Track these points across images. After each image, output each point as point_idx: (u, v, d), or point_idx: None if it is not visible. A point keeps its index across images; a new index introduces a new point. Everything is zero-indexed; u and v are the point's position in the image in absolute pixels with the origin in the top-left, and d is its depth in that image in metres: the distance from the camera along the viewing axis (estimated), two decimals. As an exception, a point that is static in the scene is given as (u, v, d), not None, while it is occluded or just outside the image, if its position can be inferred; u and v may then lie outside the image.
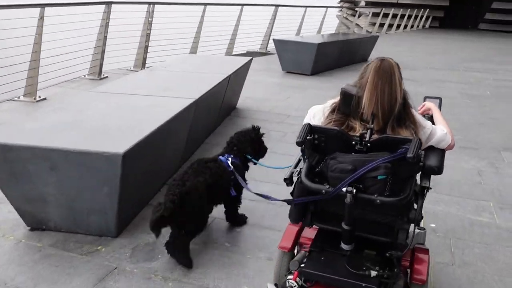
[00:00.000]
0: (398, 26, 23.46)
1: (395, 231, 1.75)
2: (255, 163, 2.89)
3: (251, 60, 6.08)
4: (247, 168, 2.90)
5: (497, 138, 5.15)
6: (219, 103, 4.91)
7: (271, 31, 12.10)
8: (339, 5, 46.71)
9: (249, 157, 2.83)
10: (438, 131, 1.96)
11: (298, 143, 1.75)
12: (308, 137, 1.76)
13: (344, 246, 1.80)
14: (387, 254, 1.76)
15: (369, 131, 1.77)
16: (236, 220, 2.97)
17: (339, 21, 18.00)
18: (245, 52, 12.04)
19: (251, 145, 2.86)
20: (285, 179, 1.91)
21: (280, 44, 8.80)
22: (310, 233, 2.05)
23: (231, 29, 10.96)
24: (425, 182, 1.86)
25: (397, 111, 1.82)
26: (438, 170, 1.82)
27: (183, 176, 2.48)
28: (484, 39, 21.00)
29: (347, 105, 1.89)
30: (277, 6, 12.04)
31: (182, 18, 10.07)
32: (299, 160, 2.00)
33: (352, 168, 1.65)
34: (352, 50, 10.31)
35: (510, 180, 3.98)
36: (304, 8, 13.56)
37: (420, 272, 1.88)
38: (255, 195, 2.13)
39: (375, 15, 21.87)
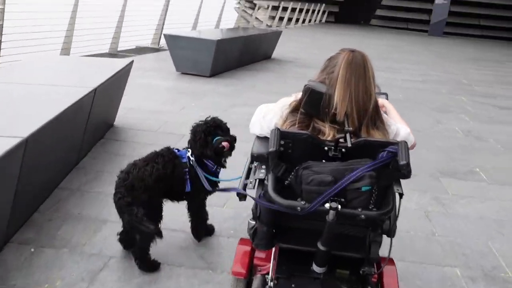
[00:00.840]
0: (297, 20, 23.22)
1: (367, 245, 1.56)
2: (213, 169, 2.42)
3: (131, 63, 4.69)
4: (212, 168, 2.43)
5: (431, 158, 4.40)
6: (80, 129, 3.49)
7: (163, 23, 10.63)
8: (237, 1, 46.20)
9: (206, 162, 2.41)
10: (402, 130, 1.71)
11: (272, 153, 1.43)
12: None
13: (317, 269, 1.58)
14: (360, 272, 1.59)
15: (347, 134, 1.48)
16: (196, 233, 2.63)
17: (238, 15, 16.89)
18: (134, 47, 10.45)
19: (199, 146, 2.37)
20: (238, 194, 1.76)
21: (173, 41, 7.45)
22: (263, 253, 1.88)
23: (117, 21, 9.33)
24: (398, 188, 1.53)
25: (371, 110, 1.59)
26: (408, 173, 1.42)
27: (130, 167, 2.24)
28: (377, 35, 21.42)
29: (314, 104, 1.61)
30: (168, -5, 10.60)
31: (57, 8, 8.24)
32: (249, 170, 1.84)
33: (332, 179, 1.39)
34: (254, 47, 9.29)
35: (464, 225, 3.15)
36: (200, -1, 12.25)
37: (391, 285, 1.76)
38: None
39: (274, 8, 21.27)
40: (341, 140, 1.49)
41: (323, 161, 1.49)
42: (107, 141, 4.19)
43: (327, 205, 1.37)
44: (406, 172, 1.36)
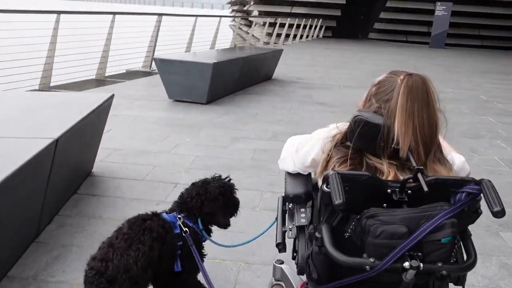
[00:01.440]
0: (294, 36, 22.64)
1: None
2: (203, 238, 1.91)
3: (110, 98, 3.90)
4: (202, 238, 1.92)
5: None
6: (37, 195, 2.66)
7: (154, 45, 9.90)
8: (231, 14, 45.86)
9: (200, 224, 1.88)
10: (456, 160, 1.46)
11: (340, 206, 1.14)
12: (326, 189, 1.22)
13: None
14: None
15: (419, 174, 1.22)
16: None
17: (234, 32, 16.23)
18: (124, 72, 9.69)
19: (211, 205, 1.88)
20: (278, 244, 1.58)
21: (164, 65, 6.68)
22: None
23: (105, 44, 8.59)
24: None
25: (436, 142, 1.35)
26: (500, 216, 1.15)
27: (107, 251, 1.59)
28: (378, 50, 20.78)
29: (367, 138, 1.33)
30: (160, 15, 9.88)
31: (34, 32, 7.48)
32: (284, 214, 1.66)
33: (406, 230, 1.15)
34: (254, 68, 8.53)
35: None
36: (194, 18, 11.54)
37: None
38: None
39: (271, 25, 20.68)
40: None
41: (384, 205, 1.26)
42: (80, 198, 3.37)
43: (406, 264, 1.15)
44: (499, 217, 1.15)
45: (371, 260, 1.18)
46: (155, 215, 1.82)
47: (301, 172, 1.63)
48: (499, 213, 1.14)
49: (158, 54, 8.92)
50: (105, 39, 8.49)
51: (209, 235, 1.96)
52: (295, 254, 1.65)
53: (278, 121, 5.90)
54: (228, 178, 2.00)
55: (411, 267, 1.14)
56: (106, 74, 8.84)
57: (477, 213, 1.25)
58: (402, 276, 1.17)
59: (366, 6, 30.95)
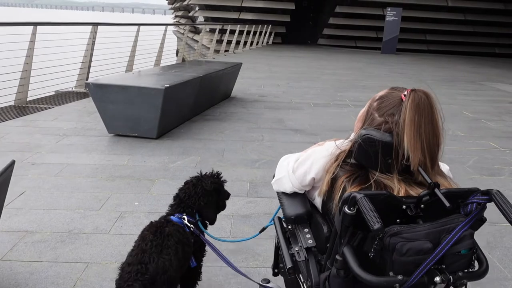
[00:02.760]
0: (245, 43, 21.49)
1: None
2: (201, 231, 2.04)
3: (11, 166, 2.44)
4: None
5: None
6: None
7: (90, 61, 8.31)
8: (175, 20, 44.01)
9: (197, 217, 2.05)
10: (444, 169, 1.49)
11: (379, 230, 1.11)
12: (349, 211, 1.19)
13: None
14: None
15: (437, 189, 1.25)
16: None
17: (182, 42, 14.77)
18: (53, 93, 8.04)
19: (206, 199, 2.06)
20: (289, 269, 1.55)
21: (101, 91, 5.20)
22: None
23: (25, 63, 6.93)
24: None
25: (440, 156, 1.40)
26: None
27: (141, 256, 1.72)
28: (333, 57, 20.02)
29: (371, 155, 1.35)
30: (95, 24, 8.29)
31: None
32: (286, 236, 1.67)
33: (431, 246, 1.18)
34: (212, 88, 7.22)
35: None
36: (136, 28, 9.99)
37: None
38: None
39: (220, 32, 19.39)
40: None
41: (397, 221, 1.28)
42: None
43: (437, 279, 1.19)
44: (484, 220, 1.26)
45: (399, 277, 1.19)
46: (168, 221, 1.94)
47: (298, 191, 1.64)
48: None
49: (94, 73, 7.41)
50: (25, 56, 6.83)
51: (205, 229, 2.09)
52: (276, 270, 1.79)
53: (252, 162, 4.62)
54: (219, 173, 2.19)
55: (442, 281, 1.19)
56: (29, 98, 7.17)
57: (481, 221, 1.29)
58: None
59: (315, 11, 30.44)
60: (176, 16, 44.25)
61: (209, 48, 19.02)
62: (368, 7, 27.56)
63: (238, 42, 20.51)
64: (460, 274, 1.22)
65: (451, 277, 1.20)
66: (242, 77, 9.59)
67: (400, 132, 1.34)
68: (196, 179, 2.11)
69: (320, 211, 1.59)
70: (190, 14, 33.44)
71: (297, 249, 1.56)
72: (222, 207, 2.21)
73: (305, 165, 1.57)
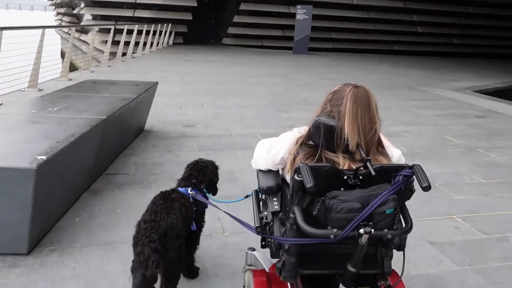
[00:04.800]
0: (144, 44, 18.67)
1: (381, 260, 1.71)
2: (206, 197, 2.49)
3: None
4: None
5: None
6: None
7: None
8: (58, 18, 38.85)
9: (205, 190, 2.53)
10: (395, 153, 1.82)
11: (311, 188, 1.47)
12: (297, 178, 1.54)
13: None
14: (379, 286, 1.73)
15: (368, 163, 1.57)
16: (192, 268, 2.61)
17: (69, 44, 11.61)
18: None
19: (208, 178, 2.57)
20: (257, 227, 1.90)
21: None
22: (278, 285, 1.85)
23: None
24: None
25: (376, 139, 1.72)
26: (428, 190, 1.56)
27: (154, 215, 2.10)
28: (248, 60, 18.03)
29: (325, 137, 1.70)
30: None
31: None
32: (259, 203, 2.03)
33: (360, 206, 1.49)
34: (121, 130, 4.75)
35: None
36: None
37: None
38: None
39: (116, 32, 16.39)
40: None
41: (341, 189, 1.56)
42: None
43: (361, 230, 1.46)
44: (427, 191, 1.50)
45: (335, 230, 1.49)
46: (174, 190, 2.37)
47: (272, 169, 1.96)
48: (427, 188, 1.50)
49: None
50: None
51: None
52: (264, 243, 1.97)
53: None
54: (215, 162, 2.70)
55: (365, 232, 1.46)
56: None
57: (411, 191, 1.59)
58: (358, 240, 1.48)
59: (218, 9, 28.29)
60: (58, 14, 39.11)
61: (103, 51, 15.94)
62: (274, 4, 26.08)
63: (137, 44, 17.66)
64: (385, 231, 1.50)
65: (372, 229, 1.46)
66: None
67: (342, 119, 1.65)
68: (200, 162, 2.62)
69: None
70: (75, 12, 29.29)
71: (265, 213, 1.93)
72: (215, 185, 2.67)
73: (276, 147, 1.89)
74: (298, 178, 1.52)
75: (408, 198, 1.61)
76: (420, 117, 7.74)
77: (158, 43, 21.63)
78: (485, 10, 29.45)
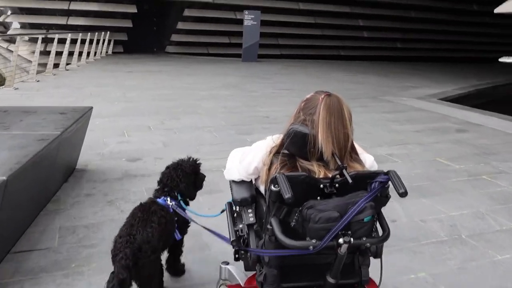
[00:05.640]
0: (80, 54, 16.95)
1: (358, 269, 1.70)
2: (183, 208, 2.40)
3: None
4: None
5: None
6: None
7: None
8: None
9: (179, 198, 2.41)
10: (367, 159, 1.83)
11: (289, 199, 1.43)
12: (274, 188, 1.50)
13: None
14: None
15: (344, 170, 1.56)
16: (178, 268, 2.67)
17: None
18: None
19: (186, 180, 2.43)
20: (232, 241, 1.86)
21: None
22: None
23: None
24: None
25: (349, 147, 1.72)
26: (405, 195, 1.52)
27: (130, 229, 2.08)
28: (199, 70, 16.77)
29: (299, 145, 1.69)
30: None
31: None
32: (233, 216, 1.99)
33: (338, 215, 1.46)
34: (39, 180, 3.43)
35: None
36: None
37: None
38: None
39: (45, 41, 14.61)
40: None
41: (318, 198, 1.54)
42: None
43: (341, 240, 1.44)
44: (403, 196, 1.47)
45: (313, 241, 1.45)
46: (154, 202, 2.31)
47: (245, 180, 1.93)
48: (403, 194, 1.46)
49: None
50: None
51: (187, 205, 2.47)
52: (237, 255, 1.91)
53: None
54: (196, 159, 2.52)
55: (344, 241, 1.44)
56: None
57: (386, 197, 1.56)
58: (337, 251, 1.46)
59: (160, 15, 26.77)
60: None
61: (31, 62, 14.12)
62: (219, 10, 24.98)
63: (71, 54, 15.93)
64: (364, 239, 1.47)
65: (351, 238, 1.43)
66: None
67: (315, 127, 1.65)
68: (175, 164, 2.46)
69: (264, 196, 1.78)
70: (1, 20, 26.70)
71: (241, 226, 1.90)
72: (200, 186, 2.57)
73: (249, 157, 1.87)
74: (275, 189, 1.49)
75: (384, 205, 1.59)
76: (399, 134, 6.88)
77: (95, 52, 19.91)
78: (427, 14, 29.93)
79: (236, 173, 1.92)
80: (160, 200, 2.32)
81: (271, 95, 10.67)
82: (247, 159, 1.86)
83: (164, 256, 2.50)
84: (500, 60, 37.44)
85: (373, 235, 1.51)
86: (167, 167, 2.46)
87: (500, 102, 13.81)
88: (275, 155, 1.72)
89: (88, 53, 18.57)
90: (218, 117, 7.66)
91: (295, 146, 1.68)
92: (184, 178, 2.39)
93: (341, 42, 29.26)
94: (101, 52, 20.90)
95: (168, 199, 2.33)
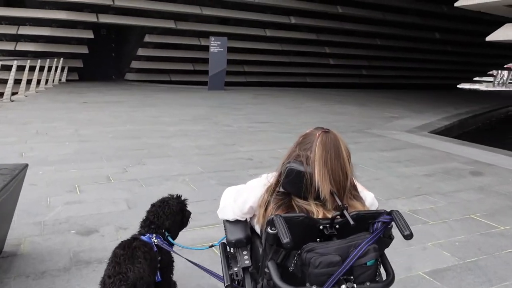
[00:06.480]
0: (28, 82, 15.27)
1: None
2: (171, 244, 2.31)
3: None
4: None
5: None
6: None
7: None
8: None
9: (166, 234, 2.31)
10: (368, 196, 1.76)
11: (288, 244, 1.35)
12: (271, 231, 1.43)
13: None
14: None
15: (345, 211, 1.48)
16: None
17: None
18: None
19: (172, 218, 2.33)
20: (227, 286, 1.79)
21: None
22: None
23: None
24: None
25: (348, 186, 1.64)
26: (410, 238, 1.46)
27: (118, 268, 1.95)
28: (154, 98, 15.43)
29: (295, 184, 1.60)
30: None
31: None
32: (227, 257, 1.90)
33: (340, 259, 1.39)
34: None
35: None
36: None
37: None
38: None
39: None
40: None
41: (317, 240, 1.47)
42: None
43: (343, 286, 1.36)
44: (408, 239, 1.39)
45: (314, 287, 1.37)
46: (136, 238, 2.19)
47: (240, 219, 1.85)
48: (409, 236, 1.40)
49: None
50: None
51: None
52: None
53: None
54: (182, 196, 2.45)
55: None
56: None
57: (390, 238, 1.51)
58: None
59: (119, 41, 25.30)
60: None
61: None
62: (183, 36, 23.85)
63: (18, 81, 14.26)
64: (367, 284, 1.39)
65: (354, 284, 1.36)
66: (30, 160, 4.24)
67: (312, 165, 1.58)
68: (161, 201, 2.36)
69: (260, 237, 1.70)
70: None
71: (236, 269, 1.81)
72: (185, 223, 2.50)
73: (244, 195, 1.81)
74: (272, 231, 1.43)
75: (387, 246, 1.53)
76: (410, 179, 5.84)
77: (47, 80, 18.20)
78: (392, 42, 30.00)
79: (231, 212, 1.87)
80: (144, 238, 2.23)
81: (248, 130, 9.48)
82: (241, 198, 1.82)
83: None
84: (459, 86, 38.16)
85: (377, 279, 1.44)
86: (153, 205, 2.38)
87: (482, 130, 14.78)
88: (271, 195, 1.66)
89: (39, 81, 16.90)
90: (193, 161, 6.38)
91: (291, 184, 1.62)
92: (171, 216, 2.32)
93: (308, 69, 28.76)
94: (53, 80, 19.20)
95: (154, 236, 2.24)
